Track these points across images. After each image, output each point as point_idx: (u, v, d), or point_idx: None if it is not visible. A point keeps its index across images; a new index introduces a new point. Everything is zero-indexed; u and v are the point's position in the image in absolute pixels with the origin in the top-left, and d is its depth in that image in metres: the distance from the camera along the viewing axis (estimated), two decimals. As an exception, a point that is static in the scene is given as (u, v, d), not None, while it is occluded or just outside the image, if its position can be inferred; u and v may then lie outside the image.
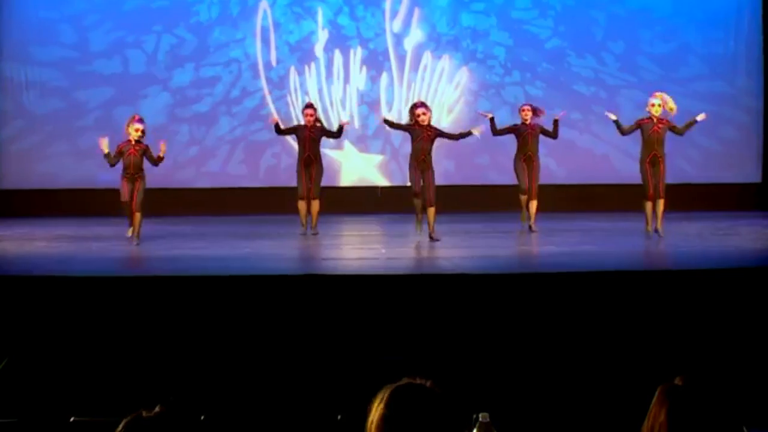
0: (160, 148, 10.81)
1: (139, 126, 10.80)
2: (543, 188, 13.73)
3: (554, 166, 14.75)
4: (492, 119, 11.82)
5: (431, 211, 10.91)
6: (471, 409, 3.23)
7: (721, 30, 14.76)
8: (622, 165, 14.43)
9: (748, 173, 14.81)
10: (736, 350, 7.17)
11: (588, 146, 14.84)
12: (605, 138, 14.78)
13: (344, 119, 12.86)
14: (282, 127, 11.87)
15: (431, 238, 10.80)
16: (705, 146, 14.68)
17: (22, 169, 14.54)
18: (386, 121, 11.43)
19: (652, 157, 10.90)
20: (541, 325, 7.53)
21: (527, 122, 11.75)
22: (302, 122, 11.72)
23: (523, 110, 11.81)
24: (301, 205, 11.73)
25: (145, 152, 10.80)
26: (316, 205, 11.72)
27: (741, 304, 7.65)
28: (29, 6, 14.53)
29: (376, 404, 2.55)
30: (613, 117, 11.19)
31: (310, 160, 11.65)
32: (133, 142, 10.77)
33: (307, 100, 14.60)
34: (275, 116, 11.94)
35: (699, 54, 14.82)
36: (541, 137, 11.88)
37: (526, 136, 11.73)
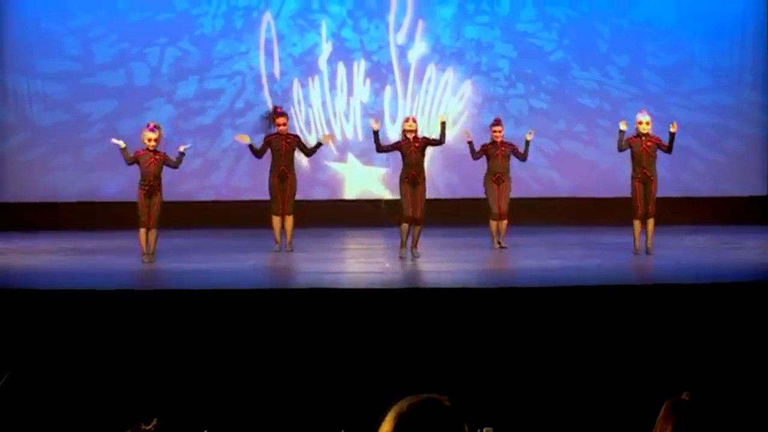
0: (181, 147, 10.53)
1: (151, 135, 10.42)
2: (546, 201, 13.75)
3: (558, 178, 14.74)
4: (471, 143, 11.52)
5: (418, 229, 10.67)
6: (475, 424, 3.20)
7: (726, 42, 14.74)
8: (627, 178, 14.37)
9: (753, 186, 14.77)
10: (743, 365, 7.12)
11: (593, 159, 14.82)
12: (610, 151, 14.67)
13: (327, 135, 12.15)
14: (255, 147, 11.22)
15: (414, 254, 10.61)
16: (710, 159, 14.66)
17: (26, 182, 14.55)
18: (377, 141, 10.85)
19: (642, 176, 10.68)
20: (546, 340, 7.49)
21: (498, 141, 11.51)
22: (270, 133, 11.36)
23: (494, 130, 11.54)
24: (276, 221, 11.24)
25: (165, 161, 10.45)
26: (290, 221, 11.21)
27: (748, 318, 7.60)
28: (33, 18, 14.55)
29: (388, 418, 2.53)
30: (624, 127, 10.79)
31: (285, 174, 11.18)
32: (151, 152, 10.41)
33: (307, 112, 14.63)
34: (247, 139, 11.22)
35: (704, 66, 14.80)
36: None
37: (496, 157, 11.46)
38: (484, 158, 11.60)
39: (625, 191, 14.17)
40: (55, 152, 14.64)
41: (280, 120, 11.26)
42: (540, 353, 7.40)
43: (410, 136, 10.63)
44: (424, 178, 10.66)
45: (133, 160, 10.47)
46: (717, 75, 14.82)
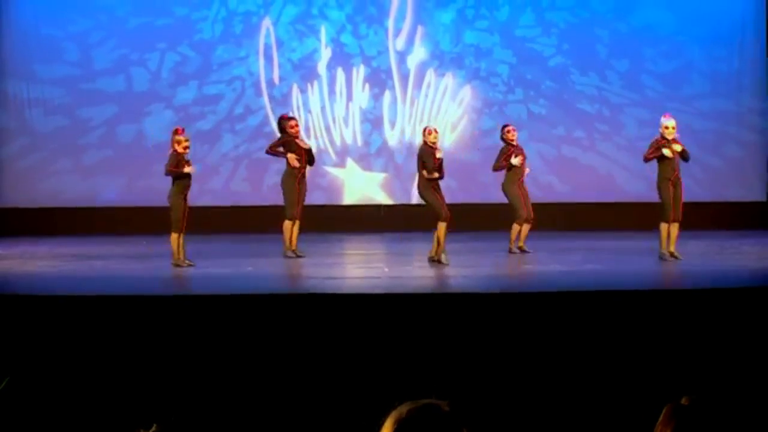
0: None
1: (187, 141, 10.31)
2: (546, 207, 13.74)
3: (557, 184, 14.74)
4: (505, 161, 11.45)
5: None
6: (474, 429, 3.19)
7: (725, 48, 14.76)
8: (626, 183, 14.43)
9: (753, 191, 14.78)
10: (743, 370, 7.12)
11: (592, 164, 14.83)
12: (609, 156, 14.78)
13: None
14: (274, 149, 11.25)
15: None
16: (709, 164, 14.66)
17: (25, 187, 14.54)
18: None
19: (674, 178, 10.50)
20: (546, 345, 7.49)
21: (517, 144, 11.51)
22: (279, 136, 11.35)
23: (510, 131, 11.52)
24: (291, 226, 11.17)
25: None
26: (297, 227, 11.22)
27: (748, 323, 7.60)
28: (33, 24, 14.55)
29: (387, 423, 2.53)
30: (669, 154, 10.48)
31: (303, 177, 11.24)
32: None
33: (306, 117, 14.60)
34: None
35: (703, 72, 14.82)
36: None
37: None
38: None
39: (623, 196, 14.26)
40: (54, 157, 14.63)
41: (293, 122, 11.28)
42: (539, 358, 7.39)
43: (435, 146, 10.62)
44: None
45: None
46: (716, 81, 14.83)
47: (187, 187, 10.34)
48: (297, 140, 11.23)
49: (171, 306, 7.93)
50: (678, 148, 10.55)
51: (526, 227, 11.50)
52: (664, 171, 10.57)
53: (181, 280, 9.83)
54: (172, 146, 10.31)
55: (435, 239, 10.59)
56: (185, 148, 10.27)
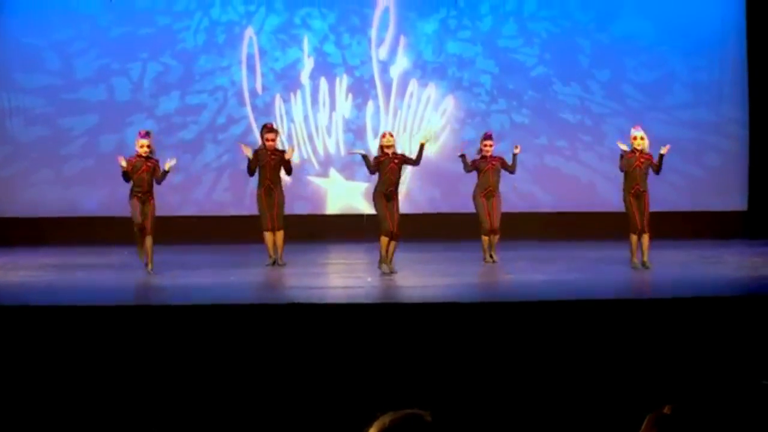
0: (166, 165, 10.56)
1: (144, 141, 10.45)
2: (528, 216, 13.78)
3: (540, 193, 14.78)
4: (463, 156, 11.64)
5: (394, 244, 10.65)
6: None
7: (706, 58, 14.84)
8: (608, 193, 14.44)
9: (734, 201, 14.85)
10: (723, 379, 7.15)
11: (574, 174, 14.87)
12: (591, 166, 14.82)
13: (289, 152, 11.56)
14: (251, 165, 11.21)
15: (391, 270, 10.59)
16: (690, 173, 14.73)
17: (6, 197, 14.47)
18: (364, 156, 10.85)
19: (635, 191, 10.71)
20: (527, 355, 7.50)
21: (488, 156, 11.55)
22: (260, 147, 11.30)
23: (485, 144, 11.55)
24: (268, 236, 11.22)
25: (154, 169, 10.52)
26: (280, 236, 11.23)
27: (728, 332, 7.64)
28: (13, 33, 14.50)
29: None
30: (624, 147, 10.78)
31: (271, 189, 11.20)
32: (144, 158, 10.46)
33: (289, 127, 14.62)
34: (247, 152, 11.21)
35: (684, 82, 14.89)
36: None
37: (487, 171, 11.53)
38: (473, 173, 11.64)
39: (606, 206, 14.28)
40: (35, 167, 14.57)
41: (270, 135, 11.23)
42: (522, 368, 7.41)
43: (389, 151, 10.63)
44: (397, 194, 10.73)
45: (129, 175, 10.49)
46: (697, 90, 14.91)
47: (137, 187, 10.54)
48: (268, 152, 11.15)
49: (154, 316, 7.91)
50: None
51: (485, 239, 11.55)
52: (626, 184, 10.81)
53: (164, 290, 9.80)
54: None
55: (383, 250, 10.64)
56: (142, 146, 10.50)
